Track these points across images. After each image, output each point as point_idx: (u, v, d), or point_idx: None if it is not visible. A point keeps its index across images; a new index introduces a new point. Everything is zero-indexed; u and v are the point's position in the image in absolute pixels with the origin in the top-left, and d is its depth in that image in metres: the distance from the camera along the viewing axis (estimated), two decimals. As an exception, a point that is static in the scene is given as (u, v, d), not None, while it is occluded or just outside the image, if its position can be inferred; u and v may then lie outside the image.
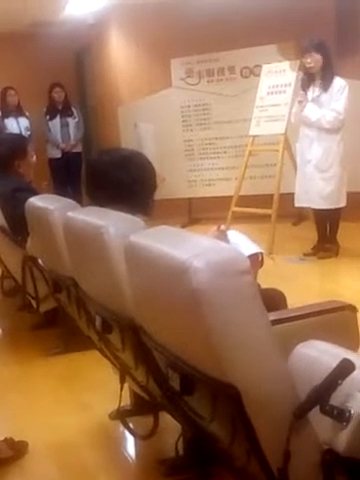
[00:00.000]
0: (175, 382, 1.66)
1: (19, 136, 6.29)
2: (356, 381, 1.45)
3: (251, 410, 1.44)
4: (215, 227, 2.80)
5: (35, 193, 3.59)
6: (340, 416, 1.42)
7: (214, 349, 1.42)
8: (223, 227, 2.89)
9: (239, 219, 6.44)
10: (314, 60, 5.52)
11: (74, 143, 8.51)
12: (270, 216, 6.26)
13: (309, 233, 6.19)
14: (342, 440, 1.43)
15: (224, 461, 1.96)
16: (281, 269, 5.25)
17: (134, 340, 1.95)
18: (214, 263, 1.41)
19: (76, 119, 8.55)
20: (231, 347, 1.42)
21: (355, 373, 1.44)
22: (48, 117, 8.47)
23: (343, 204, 5.76)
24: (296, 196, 5.96)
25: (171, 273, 1.47)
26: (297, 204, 6.03)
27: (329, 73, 5.55)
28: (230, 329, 1.42)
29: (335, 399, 1.44)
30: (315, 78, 5.62)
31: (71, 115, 8.54)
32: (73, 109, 8.61)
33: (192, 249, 1.46)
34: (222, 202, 7.05)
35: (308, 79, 5.69)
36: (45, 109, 8.51)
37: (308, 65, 5.58)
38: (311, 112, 5.60)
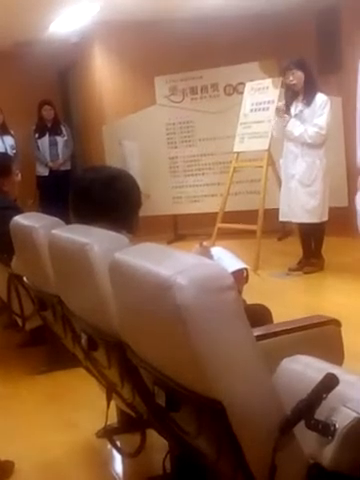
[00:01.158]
0: (161, 399, 1.66)
1: (3, 155, 6.30)
2: (340, 395, 1.46)
3: (236, 425, 1.45)
4: (198, 244, 2.81)
5: (19, 211, 3.59)
6: (325, 430, 1.43)
7: (199, 365, 1.43)
8: (205, 243, 2.90)
9: (224, 235, 6.47)
10: (296, 77, 5.59)
11: (62, 161, 8.51)
12: (255, 232, 6.29)
13: (294, 248, 6.22)
14: (327, 454, 1.44)
15: (211, 477, 1.95)
16: (267, 285, 5.27)
17: (120, 357, 1.94)
18: (198, 279, 1.42)
19: (65, 137, 8.55)
20: (216, 363, 1.42)
21: (339, 387, 1.45)
22: (37, 135, 8.46)
23: (325, 218, 5.80)
24: (281, 211, 6.00)
25: (155, 290, 1.48)
26: (281, 219, 6.08)
27: (312, 89, 5.62)
28: (214, 345, 1.42)
29: (320, 413, 1.45)
30: (298, 94, 5.69)
31: (60, 133, 8.54)
32: (62, 127, 8.61)
33: (176, 266, 1.47)
34: (207, 218, 7.08)
35: (291, 95, 5.75)
36: (34, 127, 8.50)
37: (291, 83, 5.65)
38: (294, 127, 5.66)
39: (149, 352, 1.71)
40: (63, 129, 8.59)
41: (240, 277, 2.92)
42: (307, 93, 5.62)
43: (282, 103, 5.79)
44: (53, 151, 8.48)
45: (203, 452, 1.72)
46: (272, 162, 6.55)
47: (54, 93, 9.37)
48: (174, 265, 1.49)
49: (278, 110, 5.82)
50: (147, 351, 1.72)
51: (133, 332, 1.76)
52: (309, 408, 1.43)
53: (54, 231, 2.31)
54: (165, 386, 1.63)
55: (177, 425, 1.75)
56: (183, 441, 1.87)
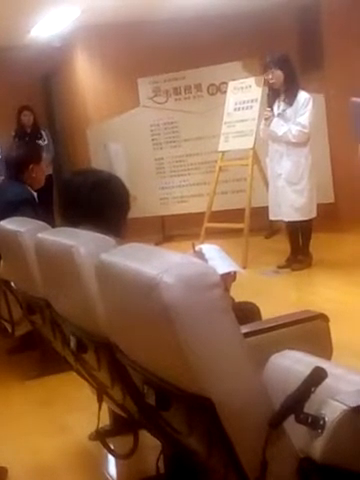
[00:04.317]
0: (151, 398, 1.66)
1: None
2: (329, 388, 1.47)
3: (226, 422, 1.45)
4: (191, 250, 2.82)
5: (34, 206, 3.89)
6: (315, 424, 1.44)
7: (187, 363, 1.43)
8: (198, 248, 2.91)
9: (212, 234, 6.47)
10: (275, 76, 5.60)
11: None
12: (243, 230, 6.30)
13: (282, 245, 6.24)
14: (318, 448, 1.45)
15: (204, 477, 1.96)
16: (255, 282, 5.28)
17: (109, 358, 1.95)
18: (183, 277, 1.43)
19: (45, 142, 8.54)
20: (204, 360, 1.43)
21: (328, 381, 1.46)
22: (17, 140, 8.45)
23: (314, 215, 5.83)
24: (270, 210, 6.03)
25: (141, 289, 1.48)
26: (271, 217, 6.10)
27: (293, 87, 5.62)
28: (202, 342, 1.43)
29: (309, 407, 1.45)
30: (280, 93, 5.69)
31: (40, 138, 8.53)
32: (42, 132, 8.60)
33: (161, 265, 1.47)
34: (195, 218, 7.08)
35: (273, 95, 5.77)
36: (13, 133, 8.49)
37: (270, 81, 5.66)
38: (277, 127, 5.67)
39: (138, 352, 1.71)
40: (43, 134, 8.58)
41: (228, 276, 2.93)
42: (288, 92, 5.62)
43: (269, 111, 5.75)
44: (34, 156, 8.45)
45: (194, 450, 1.73)
46: (257, 160, 6.57)
47: (37, 97, 9.35)
48: (160, 264, 1.49)
49: (265, 119, 5.79)
50: (136, 351, 1.72)
51: (121, 332, 1.76)
52: (298, 402, 1.44)
53: (40, 235, 2.30)
54: (154, 385, 1.63)
55: (168, 424, 1.76)
56: (175, 440, 1.88)
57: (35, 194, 4.36)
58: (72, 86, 8.85)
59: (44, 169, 4.50)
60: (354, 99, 3.25)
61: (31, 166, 4.24)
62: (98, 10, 7.08)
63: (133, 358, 1.74)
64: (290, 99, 5.61)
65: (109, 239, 2.05)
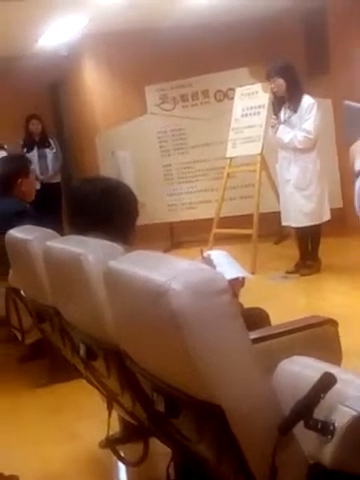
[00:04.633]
0: (160, 405, 1.67)
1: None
2: (339, 394, 1.46)
3: (236, 428, 1.45)
4: (199, 256, 2.83)
5: (32, 217, 3.74)
6: (325, 429, 1.43)
7: (196, 370, 1.43)
8: (206, 254, 2.91)
9: (221, 240, 6.47)
10: (277, 85, 5.63)
11: (52, 174, 8.53)
12: (251, 236, 6.30)
13: (291, 251, 6.22)
14: (328, 453, 1.44)
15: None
16: (264, 288, 5.27)
17: (118, 366, 1.95)
18: (192, 284, 1.43)
19: (53, 150, 8.57)
20: (213, 367, 1.43)
21: (337, 386, 1.45)
22: (25, 149, 8.49)
23: (327, 218, 5.82)
24: (282, 215, 6.04)
25: (150, 296, 1.48)
26: (283, 223, 6.11)
27: (296, 94, 5.62)
28: (211, 349, 1.43)
29: (319, 413, 1.45)
30: (285, 100, 5.71)
31: (48, 146, 8.56)
32: (50, 140, 8.63)
33: (169, 271, 1.48)
34: (203, 224, 7.08)
35: (278, 102, 5.79)
36: (22, 141, 8.53)
37: (273, 90, 5.70)
38: (283, 134, 5.68)
39: (147, 359, 1.71)
40: (51, 142, 8.62)
41: (236, 282, 2.93)
42: (292, 99, 5.63)
43: (274, 119, 5.78)
44: (42, 164, 8.50)
45: (204, 457, 1.72)
46: (265, 166, 6.57)
47: (45, 106, 9.40)
48: (168, 271, 1.49)
49: (272, 126, 5.82)
50: (145, 358, 1.72)
51: (130, 340, 1.77)
52: (308, 408, 1.43)
53: (48, 243, 2.31)
54: (164, 392, 1.63)
55: (177, 431, 1.76)
56: (185, 447, 1.87)
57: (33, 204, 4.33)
58: (80, 94, 8.89)
59: (33, 182, 4.46)
60: (347, 102, 3.24)
61: (19, 180, 4.22)
62: (105, 19, 7.11)
63: (142, 365, 1.74)
64: (294, 106, 5.62)
65: (117, 246, 2.06)
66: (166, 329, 1.46)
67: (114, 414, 2.48)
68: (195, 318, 1.42)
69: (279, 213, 6.14)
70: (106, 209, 2.52)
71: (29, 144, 8.51)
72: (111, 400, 2.31)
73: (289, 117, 5.66)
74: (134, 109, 8.06)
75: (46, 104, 9.56)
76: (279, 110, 5.76)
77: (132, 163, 8.05)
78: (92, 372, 2.28)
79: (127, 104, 8.22)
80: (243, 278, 2.99)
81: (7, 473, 2.78)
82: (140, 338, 1.66)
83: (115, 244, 2.09)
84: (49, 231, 2.68)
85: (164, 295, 1.42)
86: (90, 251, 1.97)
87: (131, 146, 8.04)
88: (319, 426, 1.43)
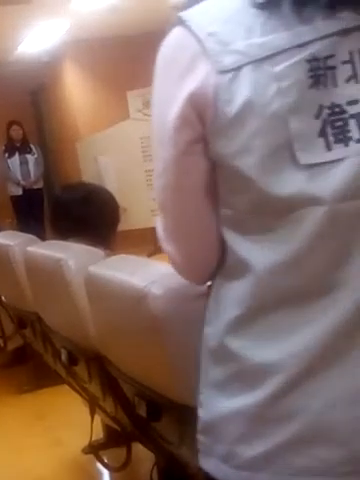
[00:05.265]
0: (142, 410, 1.67)
1: None
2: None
3: (217, 431, 1.45)
4: None
5: None
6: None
7: (176, 373, 1.43)
8: None
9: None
10: None
11: (34, 180, 8.52)
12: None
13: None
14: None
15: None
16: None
17: (100, 371, 1.95)
18: (172, 288, 1.43)
19: (35, 156, 8.57)
20: (192, 370, 1.43)
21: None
22: (7, 155, 8.47)
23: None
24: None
25: (130, 301, 1.49)
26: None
27: None
28: (191, 353, 1.42)
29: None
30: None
31: (30, 152, 8.56)
32: (32, 146, 8.63)
33: (149, 276, 1.48)
34: (186, 229, 7.09)
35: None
36: (3, 147, 8.52)
37: None
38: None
39: (128, 363, 1.71)
40: (33, 148, 8.62)
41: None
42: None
43: None
44: (24, 170, 8.50)
45: (186, 461, 1.73)
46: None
47: (27, 112, 9.38)
48: (147, 275, 1.50)
49: None
50: (126, 362, 1.73)
51: (111, 344, 1.77)
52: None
53: (29, 248, 2.31)
54: (145, 397, 1.64)
55: (159, 435, 1.76)
56: (167, 452, 1.88)
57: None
58: (61, 100, 8.88)
59: None
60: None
61: None
62: (86, 25, 7.11)
63: (123, 370, 1.74)
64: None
65: (98, 251, 2.06)
66: (146, 333, 1.46)
67: (97, 420, 2.47)
68: (175, 322, 1.42)
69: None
70: (87, 214, 2.53)
71: (10, 150, 8.50)
72: (93, 405, 2.31)
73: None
74: (116, 114, 8.05)
75: (27, 110, 9.54)
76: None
77: (114, 169, 8.04)
78: (74, 377, 2.28)
79: (109, 110, 8.22)
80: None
81: (-10, 480, 2.77)
82: (121, 343, 1.67)
83: (96, 249, 2.09)
84: (30, 236, 2.68)
85: (144, 299, 1.42)
86: (71, 256, 1.97)
87: (113, 152, 8.04)
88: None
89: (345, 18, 0.83)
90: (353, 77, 0.83)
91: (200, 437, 0.99)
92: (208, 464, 0.96)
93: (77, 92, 8.48)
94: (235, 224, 0.91)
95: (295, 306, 0.86)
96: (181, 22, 0.91)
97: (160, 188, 0.97)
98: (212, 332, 0.97)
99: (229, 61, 0.85)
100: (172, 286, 1.44)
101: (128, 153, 8.03)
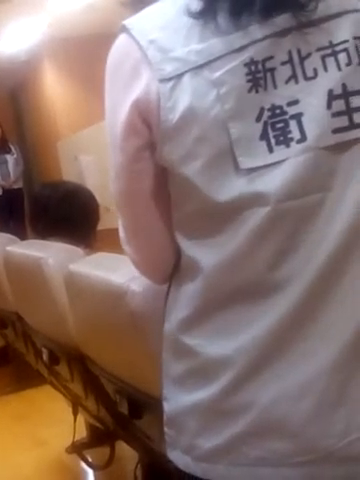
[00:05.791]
0: (124, 407, 1.67)
1: None
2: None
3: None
4: None
5: None
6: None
7: (156, 371, 1.43)
8: None
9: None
10: None
11: (14, 179, 8.47)
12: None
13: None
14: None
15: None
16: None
17: (81, 369, 1.94)
18: (151, 285, 1.42)
19: (14, 155, 8.52)
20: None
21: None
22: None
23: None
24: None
25: (109, 298, 1.48)
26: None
27: None
28: (171, 349, 1.43)
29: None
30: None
31: (9, 152, 8.51)
32: (11, 146, 8.58)
33: (129, 273, 1.47)
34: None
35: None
36: (-19, 147, 8.48)
37: None
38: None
39: (109, 361, 1.71)
40: (12, 147, 8.57)
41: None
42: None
43: None
44: (3, 170, 8.45)
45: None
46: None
47: (5, 112, 9.32)
48: (127, 272, 1.49)
49: None
50: (107, 360, 1.72)
51: (92, 342, 1.77)
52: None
53: (9, 248, 2.30)
54: (126, 394, 1.64)
55: (142, 433, 1.76)
56: (150, 449, 1.88)
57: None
58: (41, 99, 8.84)
59: None
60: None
61: None
62: (64, 23, 7.08)
63: (104, 367, 1.74)
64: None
65: (78, 250, 2.06)
66: (126, 330, 1.46)
67: (81, 419, 2.47)
68: (154, 319, 1.41)
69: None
70: (67, 213, 2.52)
71: (-12, 149, 8.46)
72: (76, 404, 2.31)
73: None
74: (96, 113, 7.95)
75: (6, 110, 9.48)
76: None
77: (95, 167, 8.01)
78: (56, 377, 2.28)
79: (89, 108, 8.19)
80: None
81: (-27, 482, 2.75)
82: (101, 340, 1.66)
83: (76, 248, 2.09)
84: (10, 236, 2.67)
85: (123, 297, 1.42)
86: (50, 255, 1.97)
87: (94, 150, 8.01)
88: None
89: (281, 20, 0.84)
90: (293, 77, 0.84)
91: (166, 429, 1.02)
92: (173, 455, 1.00)
93: (56, 91, 8.45)
94: (184, 227, 0.93)
95: (243, 304, 0.88)
96: (125, 29, 0.93)
97: (115, 192, 1.00)
98: (170, 328, 0.99)
99: (170, 69, 0.86)
100: (152, 283, 1.43)
101: (109, 152, 8.00)
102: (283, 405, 0.87)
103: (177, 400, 0.97)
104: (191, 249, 0.92)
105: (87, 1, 6.43)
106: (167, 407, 1.01)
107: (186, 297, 0.94)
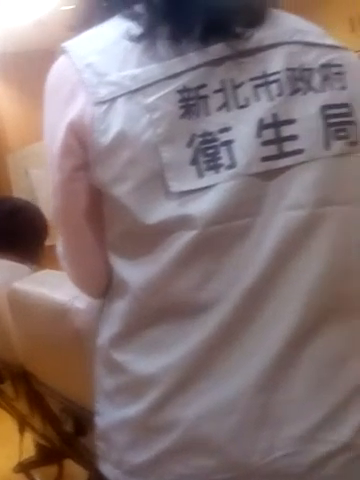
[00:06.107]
0: (69, 425, 1.66)
1: None
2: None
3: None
4: None
5: None
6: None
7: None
8: None
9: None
10: None
11: None
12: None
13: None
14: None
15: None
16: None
17: (26, 388, 1.93)
18: (94, 303, 1.43)
19: None
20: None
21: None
22: None
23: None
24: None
25: (53, 316, 1.48)
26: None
27: None
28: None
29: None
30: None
31: None
32: None
33: (73, 290, 1.47)
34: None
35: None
36: None
37: None
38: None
39: (54, 379, 1.70)
40: None
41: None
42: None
43: None
44: None
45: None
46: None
47: None
48: (71, 290, 1.48)
49: None
50: (51, 378, 1.71)
51: (37, 360, 1.75)
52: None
53: None
54: (72, 412, 1.63)
55: (87, 450, 1.75)
56: (97, 466, 1.86)
57: None
58: (-10, 113, 8.75)
59: None
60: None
61: None
62: (13, 38, 7.04)
63: (49, 385, 1.73)
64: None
65: (24, 267, 2.04)
66: (70, 348, 1.45)
67: (28, 438, 2.44)
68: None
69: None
70: (13, 230, 2.50)
71: None
72: (22, 423, 2.28)
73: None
74: (46, 127, 7.99)
75: None
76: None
77: (47, 182, 7.93)
78: (1, 395, 2.25)
79: (40, 122, 8.10)
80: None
81: None
82: (46, 358, 1.65)
83: (22, 265, 2.07)
84: None
85: (67, 314, 1.42)
86: (-5, 272, 1.95)
87: (45, 164, 7.92)
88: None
89: (217, 49, 0.86)
90: (225, 105, 0.86)
91: (98, 443, 1.03)
92: (104, 469, 1.00)
93: (5, 105, 8.37)
94: (115, 246, 0.95)
95: (170, 323, 0.90)
96: (64, 51, 0.95)
97: (53, 209, 1.03)
98: (102, 344, 1.01)
99: (104, 92, 0.87)
100: (95, 301, 1.44)
101: (60, 166, 7.96)
102: (208, 423, 0.88)
103: (108, 415, 0.99)
104: (121, 268, 0.94)
105: (37, 16, 6.40)
106: (99, 421, 1.02)
107: (117, 314, 0.96)
